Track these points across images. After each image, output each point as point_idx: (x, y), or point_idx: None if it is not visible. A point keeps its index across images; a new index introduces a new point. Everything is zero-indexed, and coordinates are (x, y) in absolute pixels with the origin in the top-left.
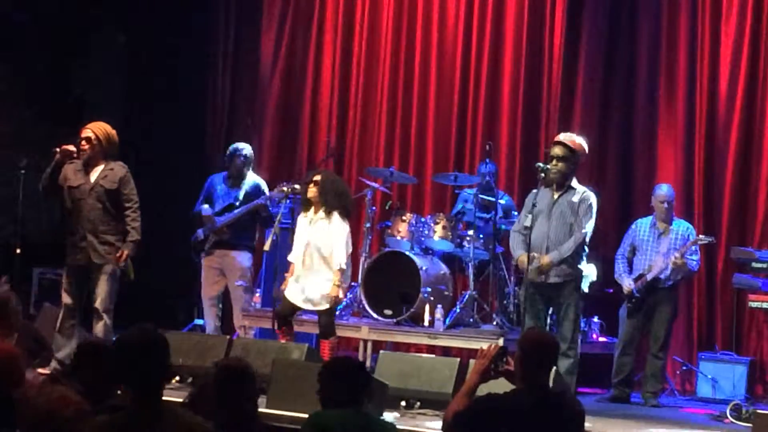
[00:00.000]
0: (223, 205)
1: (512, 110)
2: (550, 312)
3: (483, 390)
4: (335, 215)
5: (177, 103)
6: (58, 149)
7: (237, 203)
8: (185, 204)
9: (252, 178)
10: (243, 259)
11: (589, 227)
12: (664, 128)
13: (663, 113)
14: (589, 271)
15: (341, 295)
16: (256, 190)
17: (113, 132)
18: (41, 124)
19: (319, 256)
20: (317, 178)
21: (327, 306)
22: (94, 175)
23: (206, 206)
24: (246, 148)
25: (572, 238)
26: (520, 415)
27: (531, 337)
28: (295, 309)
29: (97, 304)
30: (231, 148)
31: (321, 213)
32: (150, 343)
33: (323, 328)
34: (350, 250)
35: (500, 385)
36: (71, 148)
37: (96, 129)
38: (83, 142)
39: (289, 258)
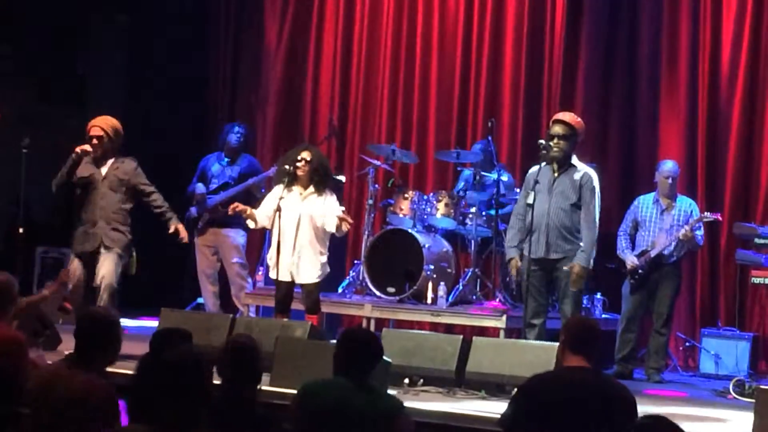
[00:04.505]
0: (218, 184)
1: (514, 87)
2: (552, 289)
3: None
4: (327, 192)
5: (178, 83)
6: (78, 150)
7: (232, 182)
8: (187, 182)
9: (246, 157)
10: (236, 236)
11: (596, 210)
12: (667, 104)
13: (665, 89)
14: None
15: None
16: (250, 169)
17: (118, 124)
18: (43, 104)
19: (313, 230)
20: (307, 156)
21: (316, 280)
22: (105, 168)
23: (200, 185)
24: (241, 127)
25: (587, 230)
26: (573, 393)
27: (577, 322)
28: (290, 290)
29: (99, 281)
30: (226, 126)
31: (310, 188)
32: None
33: (311, 303)
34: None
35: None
36: (88, 148)
37: (104, 125)
38: (94, 140)
39: (273, 231)
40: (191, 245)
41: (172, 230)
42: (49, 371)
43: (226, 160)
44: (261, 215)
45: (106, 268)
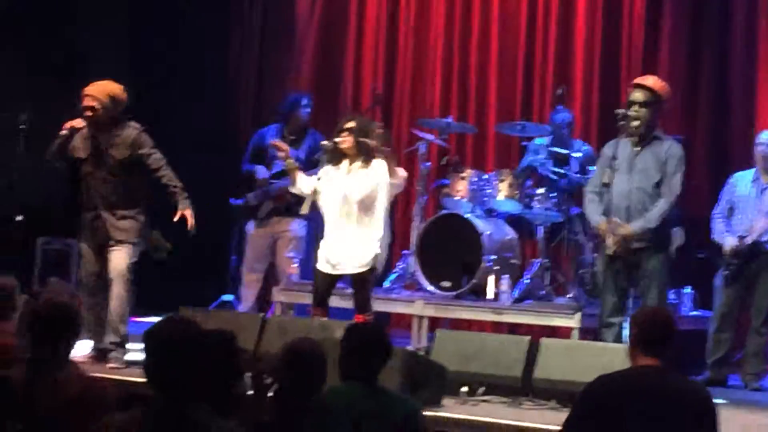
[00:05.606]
0: (281, 167)
1: (588, 50)
2: (633, 283)
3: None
4: (375, 161)
5: (196, 53)
6: (66, 128)
7: (300, 164)
8: (207, 167)
9: (312, 134)
10: (298, 227)
11: (679, 183)
12: (765, 68)
13: (763, 51)
14: (676, 235)
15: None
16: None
17: (117, 89)
18: (38, 79)
19: (360, 209)
20: (350, 125)
21: (364, 269)
22: (102, 145)
23: (262, 168)
24: (308, 98)
25: (662, 201)
26: (639, 396)
27: (646, 316)
28: (331, 282)
29: (111, 272)
30: (291, 98)
31: (359, 162)
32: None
33: (359, 300)
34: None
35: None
36: (78, 124)
37: (97, 93)
38: (87, 112)
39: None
40: (239, 234)
41: (177, 216)
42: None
43: (289, 138)
44: (304, 180)
45: (118, 259)
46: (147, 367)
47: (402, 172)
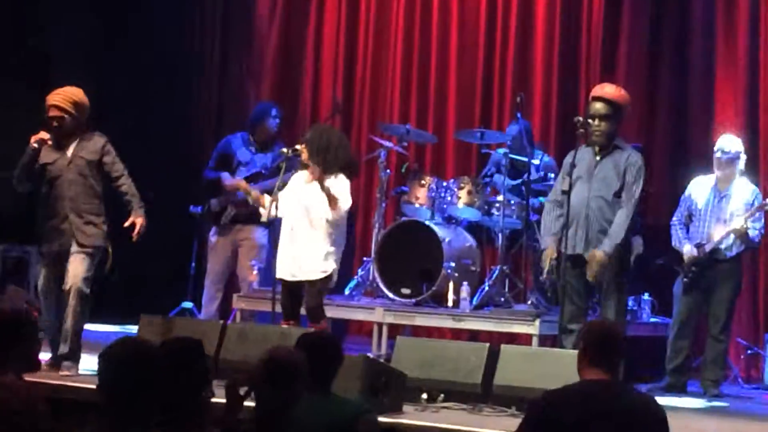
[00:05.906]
0: (248, 173)
1: (547, 57)
2: (592, 290)
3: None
4: (336, 174)
5: (156, 54)
6: (34, 142)
7: (265, 172)
8: (169, 172)
9: (279, 144)
10: (260, 235)
11: (637, 193)
12: (723, 70)
13: (721, 60)
14: (635, 243)
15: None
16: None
17: (81, 95)
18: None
19: (314, 219)
20: (306, 135)
21: (317, 276)
22: (70, 149)
23: (226, 173)
24: (278, 110)
25: (621, 212)
26: (585, 412)
27: (596, 329)
28: (295, 291)
29: (67, 282)
30: (259, 108)
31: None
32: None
33: (309, 308)
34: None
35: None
36: (45, 136)
37: (63, 102)
38: (54, 122)
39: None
40: (201, 242)
41: (128, 223)
42: None
43: (256, 146)
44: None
45: (75, 270)
46: (102, 391)
47: (345, 204)
